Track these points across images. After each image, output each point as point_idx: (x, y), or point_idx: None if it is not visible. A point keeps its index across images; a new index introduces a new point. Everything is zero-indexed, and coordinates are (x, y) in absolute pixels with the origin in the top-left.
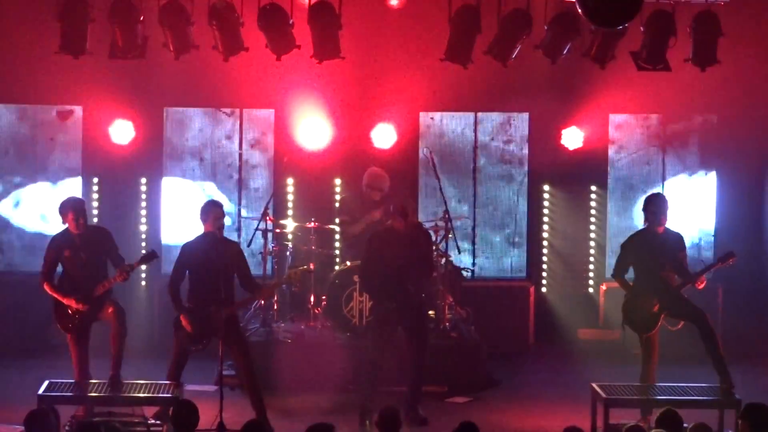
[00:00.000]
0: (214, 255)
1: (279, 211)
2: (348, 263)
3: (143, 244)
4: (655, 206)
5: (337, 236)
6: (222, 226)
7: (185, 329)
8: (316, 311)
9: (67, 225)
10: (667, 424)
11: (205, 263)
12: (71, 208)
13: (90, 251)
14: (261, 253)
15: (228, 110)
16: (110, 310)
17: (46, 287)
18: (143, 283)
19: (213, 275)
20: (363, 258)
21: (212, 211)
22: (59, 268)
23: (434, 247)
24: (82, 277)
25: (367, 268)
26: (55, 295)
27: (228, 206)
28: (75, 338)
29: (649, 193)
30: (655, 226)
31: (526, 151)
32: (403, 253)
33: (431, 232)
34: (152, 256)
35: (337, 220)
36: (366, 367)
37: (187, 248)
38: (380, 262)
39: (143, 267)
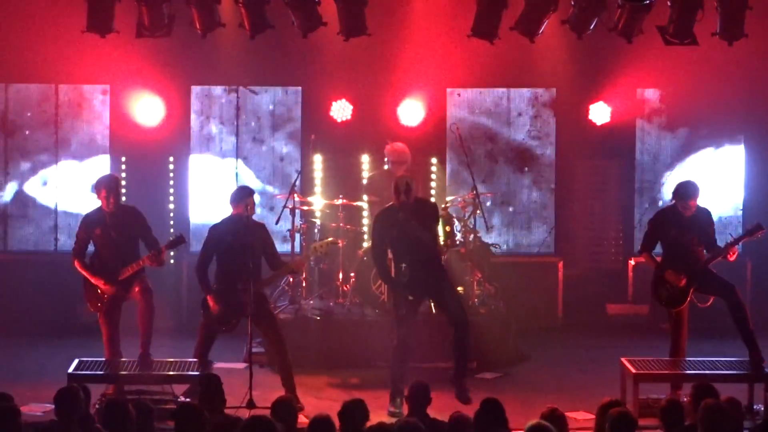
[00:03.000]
0: (241, 237)
1: (306, 189)
2: None
3: (171, 222)
4: (689, 196)
5: (365, 213)
6: (253, 213)
7: (212, 310)
8: (345, 288)
9: (100, 202)
10: (701, 397)
11: (233, 245)
12: (105, 186)
13: (120, 231)
14: (289, 230)
15: (255, 88)
16: (137, 289)
17: (77, 265)
18: (171, 261)
19: (241, 256)
20: (371, 242)
21: (245, 199)
22: (92, 247)
23: (453, 221)
24: (112, 256)
25: (374, 251)
26: (85, 274)
27: (257, 185)
28: (105, 318)
29: (680, 181)
30: (688, 212)
31: (553, 126)
32: (409, 228)
33: (458, 208)
34: (180, 240)
35: (365, 198)
36: (395, 348)
37: (214, 230)
38: (386, 243)
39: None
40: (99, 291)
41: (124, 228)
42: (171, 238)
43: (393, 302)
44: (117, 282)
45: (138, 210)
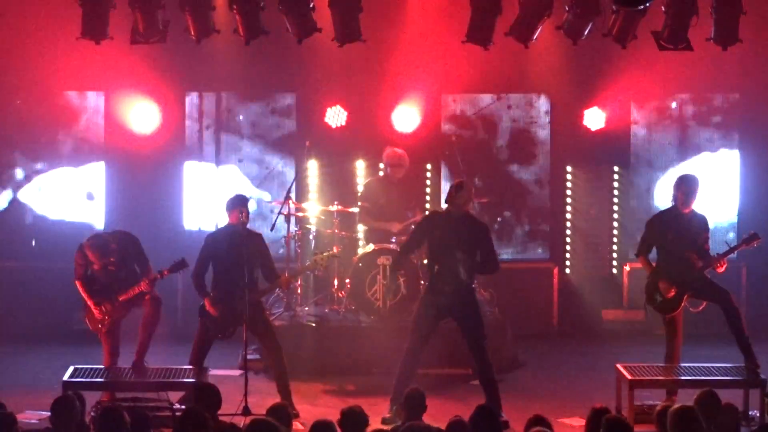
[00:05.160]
0: (237, 246)
1: (302, 195)
2: (372, 246)
3: (166, 229)
4: (687, 186)
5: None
6: (247, 221)
7: (211, 316)
8: (340, 294)
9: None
10: (706, 405)
11: (229, 254)
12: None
13: (117, 257)
14: (284, 236)
15: (250, 95)
16: (147, 297)
17: (78, 285)
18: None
19: (237, 265)
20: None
21: (238, 206)
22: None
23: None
24: (110, 281)
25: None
26: (85, 297)
27: (251, 191)
28: (106, 333)
29: (682, 173)
30: (684, 206)
31: (548, 132)
32: (454, 236)
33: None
34: (182, 264)
35: (359, 203)
36: (406, 353)
37: (211, 239)
38: (431, 245)
39: (166, 252)
40: (98, 314)
41: (122, 254)
42: (173, 262)
43: (416, 309)
44: (114, 304)
45: (134, 236)
